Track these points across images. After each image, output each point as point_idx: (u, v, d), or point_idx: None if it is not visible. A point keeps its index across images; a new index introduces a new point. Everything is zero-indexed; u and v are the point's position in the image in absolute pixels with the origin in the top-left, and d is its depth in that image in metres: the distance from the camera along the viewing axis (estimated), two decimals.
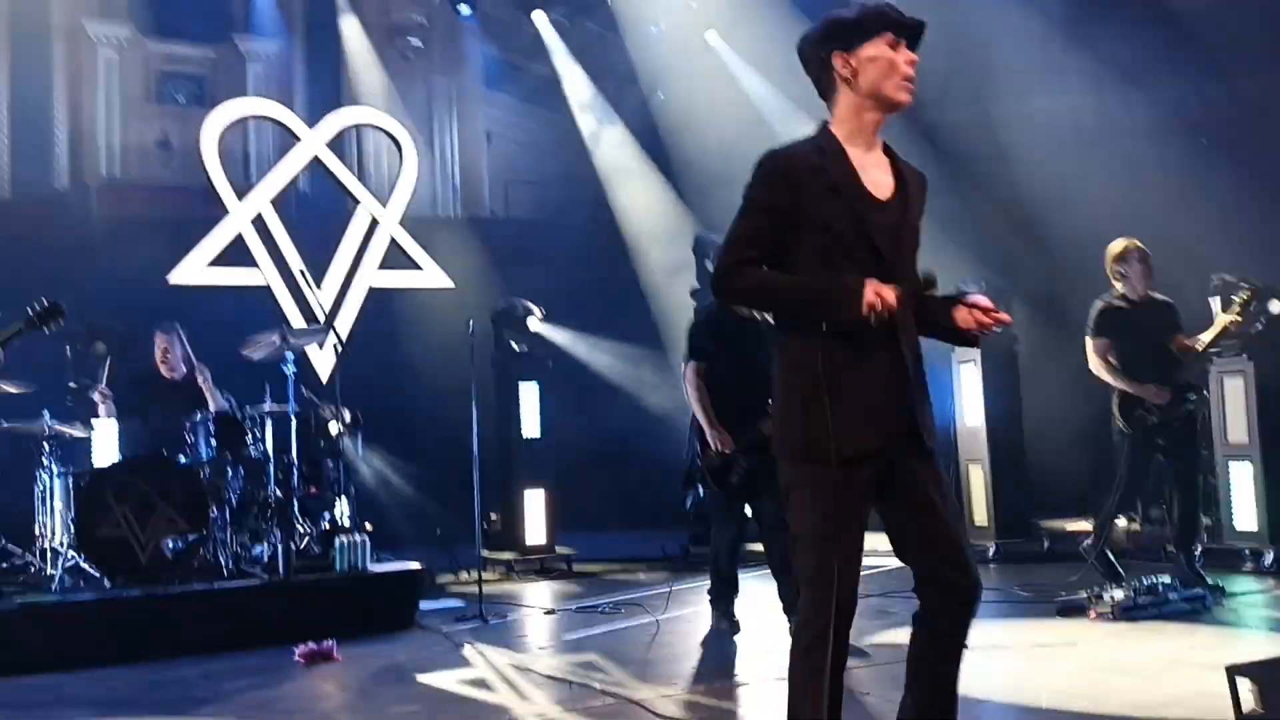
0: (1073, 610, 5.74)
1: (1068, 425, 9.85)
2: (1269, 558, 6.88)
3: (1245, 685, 3.31)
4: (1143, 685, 4.34)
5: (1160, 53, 9.34)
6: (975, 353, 7.55)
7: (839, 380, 2.62)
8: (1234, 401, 7.18)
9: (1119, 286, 6.38)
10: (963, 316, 2.76)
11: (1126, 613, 5.51)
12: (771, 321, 2.88)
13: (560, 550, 8.85)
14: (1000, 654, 4.99)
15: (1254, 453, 7.10)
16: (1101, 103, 10.02)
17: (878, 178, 2.74)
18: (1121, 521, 9.44)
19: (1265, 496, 7.00)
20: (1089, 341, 6.40)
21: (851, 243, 2.65)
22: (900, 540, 2.76)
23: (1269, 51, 9.20)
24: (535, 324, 9.16)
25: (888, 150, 2.82)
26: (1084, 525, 9.64)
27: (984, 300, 2.77)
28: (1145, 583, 5.68)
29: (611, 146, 12.60)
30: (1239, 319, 6.24)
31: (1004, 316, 2.76)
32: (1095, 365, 6.38)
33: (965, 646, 2.73)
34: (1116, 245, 6.41)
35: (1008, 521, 8.40)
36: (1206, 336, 6.23)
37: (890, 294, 2.56)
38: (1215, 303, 6.94)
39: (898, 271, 2.69)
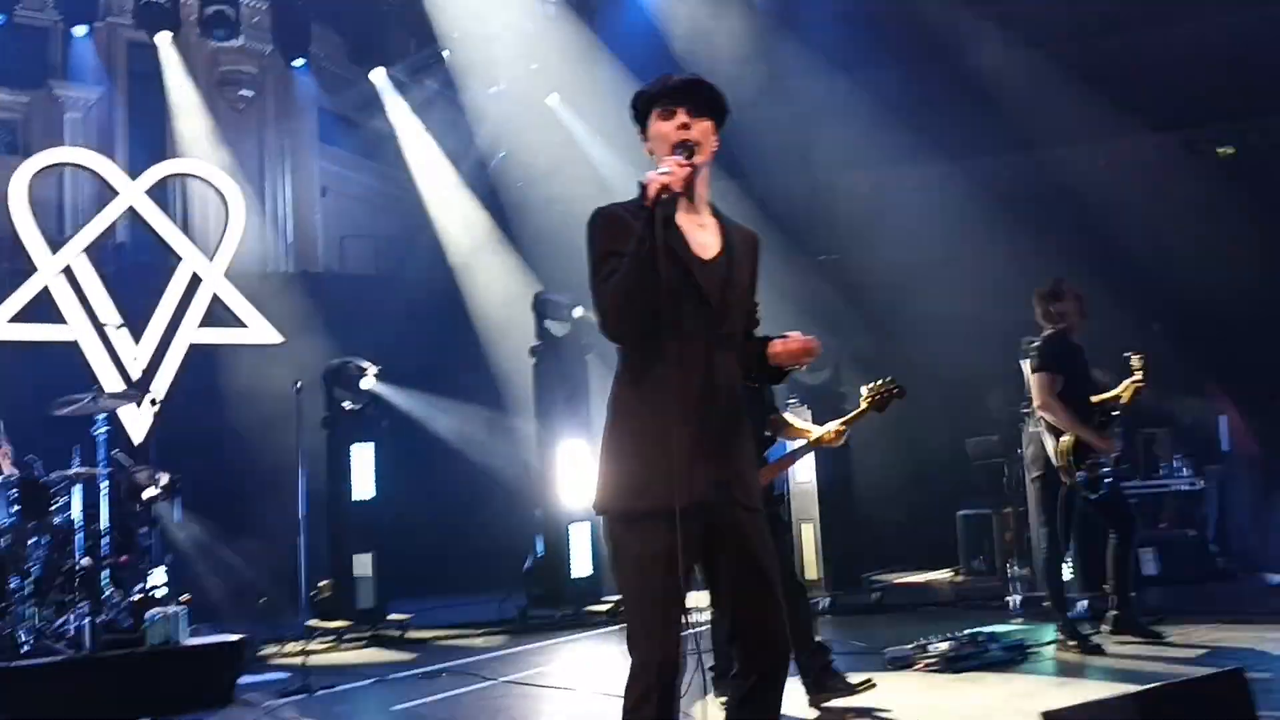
0: (901, 661, 5.88)
1: (891, 483, 10.23)
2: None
3: None
4: None
5: (977, 130, 9.96)
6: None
7: (651, 432, 2.64)
8: None
9: (1051, 328, 6.05)
10: (775, 350, 2.84)
11: (951, 663, 5.68)
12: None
13: (393, 617, 8.58)
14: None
15: None
16: (923, 175, 10.58)
17: (702, 238, 2.80)
18: (946, 572, 9.82)
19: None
20: (1036, 376, 5.97)
21: (679, 291, 2.66)
22: (716, 596, 2.77)
23: (1075, 129, 9.93)
24: (368, 382, 8.92)
25: (716, 213, 2.88)
26: (913, 578, 10.00)
27: (797, 335, 2.84)
28: (967, 633, 5.87)
29: (449, 203, 12.51)
30: (1142, 384, 6.05)
31: (812, 344, 2.83)
32: (1046, 404, 5.93)
33: (776, 714, 2.72)
34: (1048, 284, 6.14)
35: (839, 576, 8.60)
36: (1125, 398, 6.05)
37: (667, 172, 2.61)
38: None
39: (725, 323, 2.75)
